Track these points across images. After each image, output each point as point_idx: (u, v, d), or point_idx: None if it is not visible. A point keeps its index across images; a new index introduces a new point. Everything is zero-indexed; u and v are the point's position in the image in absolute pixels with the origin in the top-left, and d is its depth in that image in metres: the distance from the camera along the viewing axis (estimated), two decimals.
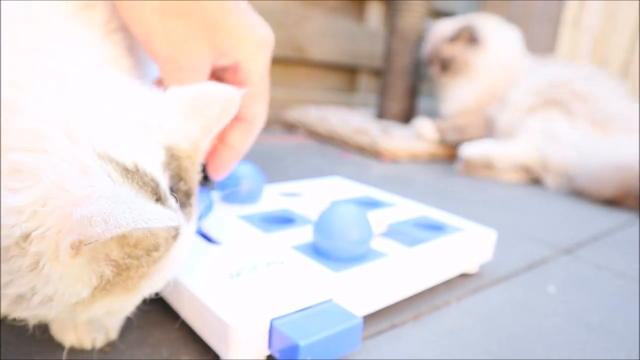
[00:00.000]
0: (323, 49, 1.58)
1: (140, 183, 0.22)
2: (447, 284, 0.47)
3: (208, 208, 0.39)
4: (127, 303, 0.26)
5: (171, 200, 0.25)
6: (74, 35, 0.28)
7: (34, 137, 0.21)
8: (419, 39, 1.39)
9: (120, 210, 0.19)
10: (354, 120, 1.35)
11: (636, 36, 1.52)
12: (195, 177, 0.28)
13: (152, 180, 0.23)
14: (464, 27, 1.20)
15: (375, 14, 1.73)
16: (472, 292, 0.46)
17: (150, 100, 0.26)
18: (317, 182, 0.64)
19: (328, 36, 1.58)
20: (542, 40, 1.58)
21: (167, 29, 0.30)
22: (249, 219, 0.46)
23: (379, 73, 1.69)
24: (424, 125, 1.25)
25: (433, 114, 1.36)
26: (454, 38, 1.22)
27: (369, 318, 0.39)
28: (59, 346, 0.31)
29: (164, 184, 0.24)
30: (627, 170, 0.92)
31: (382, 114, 1.46)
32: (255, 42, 0.34)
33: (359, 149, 1.23)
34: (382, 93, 1.46)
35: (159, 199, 0.23)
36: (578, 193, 0.98)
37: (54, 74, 0.23)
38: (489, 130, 1.20)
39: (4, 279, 0.21)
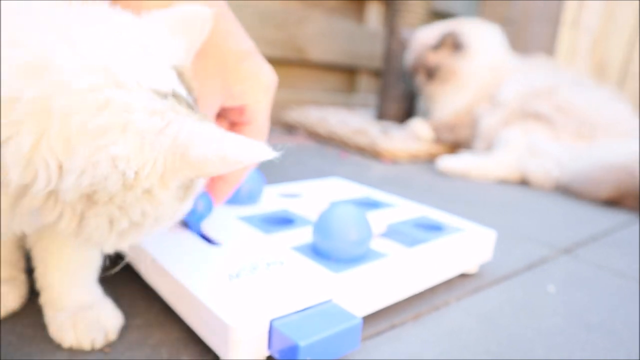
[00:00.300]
0: (323, 49, 1.58)
1: (184, 104, 0.25)
2: (447, 284, 0.47)
3: (208, 209, 0.39)
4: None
5: (197, 108, 0.28)
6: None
7: (94, 95, 0.22)
8: None
9: (232, 148, 0.23)
10: (353, 121, 1.35)
11: (636, 36, 1.52)
12: (195, 88, 0.30)
13: (184, 97, 0.26)
14: (447, 34, 1.19)
15: (374, 15, 1.74)
16: (472, 292, 0.46)
17: (146, 25, 0.27)
18: (317, 183, 0.64)
19: (328, 37, 1.58)
20: (541, 40, 1.58)
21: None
22: (249, 219, 0.46)
23: (378, 74, 1.69)
24: (418, 126, 1.26)
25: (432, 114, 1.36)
26: (438, 46, 1.20)
27: (369, 318, 0.39)
28: (59, 347, 0.32)
29: (189, 99, 0.27)
30: (621, 171, 0.92)
31: (381, 115, 1.46)
32: (262, 87, 0.37)
33: (359, 150, 1.23)
34: (382, 94, 1.46)
35: (192, 108, 0.26)
36: (576, 195, 0.98)
37: (67, 24, 0.24)
38: (476, 130, 1.21)
39: (112, 215, 0.24)
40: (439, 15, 1.89)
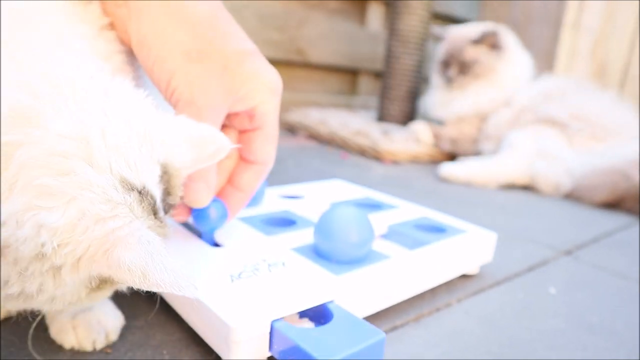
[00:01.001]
0: (324, 51, 1.59)
1: (146, 204, 0.25)
2: (448, 286, 0.47)
3: (222, 218, 0.38)
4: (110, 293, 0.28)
5: (162, 213, 0.27)
6: (71, 31, 0.28)
7: (60, 159, 0.22)
8: (420, 41, 1.39)
9: (158, 271, 0.22)
10: (354, 123, 1.35)
11: (636, 37, 1.52)
12: (179, 194, 0.29)
13: (152, 197, 0.25)
14: (490, 31, 1.20)
15: (375, 16, 1.74)
16: (473, 293, 0.46)
17: (156, 116, 0.27)
18: (318, 185, 0.64)
19: (329, 39, 1.58)
20: (542, 41, 1.58)
21: (189, 71, 0.32)
22: (250, 221, 0.46)
23: (379, 75, 1.69)
24: (420, 128, 1.26)
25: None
26: (478, 41, 1.20)
27: (370, 320, 0.39)
28: (62, 347, 0.32)
29: (159, 198, 0.26)
30: (618, 174, 0.92)
31: (382, 116, 1.46)
32: (268, 88, 0.35)
33: (360, 151, 1.23)
34: (383, 95, 1.46)
35: (155, 213, 0.26)
36: (575, 198, 0.98)
37: (65, 81, 0.24)
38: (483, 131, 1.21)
39: (8, 277, 0.23)
40: (440, 16, 1.90)
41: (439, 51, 1.28)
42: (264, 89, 0.35)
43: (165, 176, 0.27)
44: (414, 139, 1.25)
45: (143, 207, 0.24)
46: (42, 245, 0.21)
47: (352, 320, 0.31)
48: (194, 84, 0.32)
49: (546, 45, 1.57)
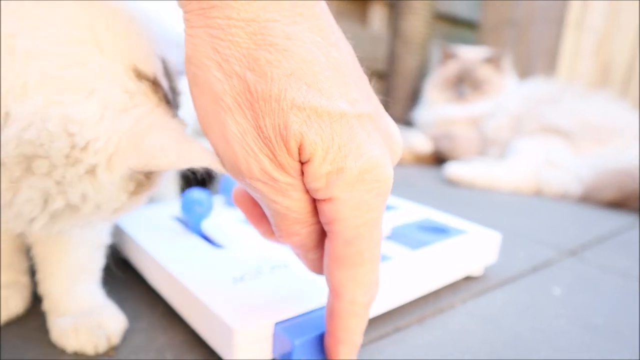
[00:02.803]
0: None
1: (159, 94, 0.24)
2: (452, 287, 0.46)
3: (208, 208, 0.40)
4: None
5: (174, 106, 0.26)
6: None
7: (70, 48, 0.20)
8: (423, 41, 1.39)
9: (184, 149, 0.21)
10: None
11: None
12: (182, 84, 0.27)
13: (164, 92, 0.24)
14: (497, 53, 1.31)
15: (378, 17, 1.74)
16: (477, 294, 0.46)
17: (152, 14, 0.26)
18: None
19: None
20: (545, 41, 1.57)
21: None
22: None
23: (382, 76, 1.69)
24: (417, 140, 1.28)
25: None
26: (488, 61, 1.29)
27: (374, 321, 0.39)
28: (64, 351, 0.32)
29: (167, 89, 0.25)
30: (625, 174, 0.93)
31: None
32: (349, 176, 0.22)
33: None
34: (385, 96, 1.46)
35: (168, 102, 0.25)
36: (580, 198, 0.97)
37: None
38: (479, 145, 1.22)
39: (48, 193, 0.22)
40: (442, 17, 1.89)
41: (450, 68, 1.31)
42: (342, 178, 0.22)
43: (167, 71, 0.26)
44: (409, 149, 1.26)
45: (158, 96, 0.23)
46: (73, 139, 0.20)
47: None
48: (226, 138, 0.22)
49: (549, 45, 1.57)
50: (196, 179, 0.69)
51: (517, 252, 0.59)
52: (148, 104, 0.22)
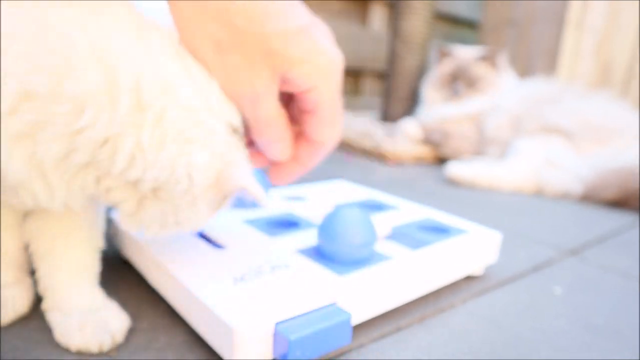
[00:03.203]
0: None
1: (243, 141, 0.32)
2: (452, 287, 0.46)
3: (265, 186, 0.41)
4: None
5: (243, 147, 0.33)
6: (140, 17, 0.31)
7: (192, 113, 0.29)
8: (423, 41, 1.39)
9: (254, 185, 0.31)
10: (358, 124, 1.35)
11: None
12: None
13: (242, 132, 0.32)
14: (491, 51, 1.32)
15: (378, 17, 1.74)
16: (477, 294, 0.46)
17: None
18: (322, 186, 0.64)
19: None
20: (545, 41, 1.57)
21: (224, 63, 0.30)
22: (254, 222, 0.46)
23: (382, 76, 1.69)
24: (408, 125, 1.29)
25: None
26: (483, 58, 1.30)
27: (374, 321, 0.39)
28: (66, 350, 0.32)
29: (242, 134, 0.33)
30: (627, 173, 0.93)
31: (386, 117, 1.46)
32: (319, 70, 0.32)
33: (364, 152, 1.23)
34: (386, 96, 1.46)
35: (244, 144, 0.33)
36: (582, 197, 0.98)
37: (173, 58, 0.29)
38: (476, 144, 1.23)
39: (165, 212, 0.31)
40: (443, 17, 1.89)
41: (446, 66, 1.31)
42: (315, 72, 0.31)
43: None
44: (403, 136, 1.27)
45: (242, 143, 0.32)
46: (192, 181, 0.29)
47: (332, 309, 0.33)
48: (231, 76, 0.31)
49: (549, 45, 1.57)
50: None
51: (517, 252, 0.59)
52: (237, 151, 0.31)
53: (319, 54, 0.31)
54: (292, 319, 0.31)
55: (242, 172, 0.31)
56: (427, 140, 1.26)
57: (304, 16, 0.31)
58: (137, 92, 0.27)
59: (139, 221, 0.31)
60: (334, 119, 0.35)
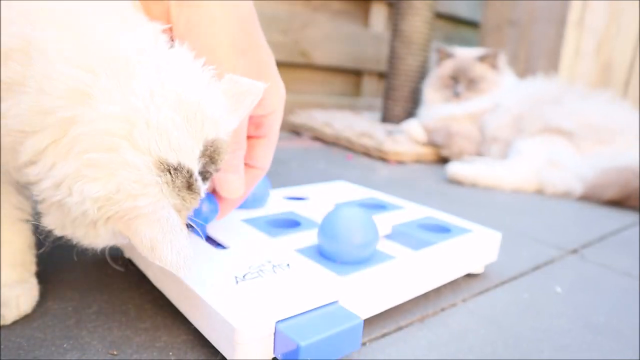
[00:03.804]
0: (327, 53, 1.59)
1: (179, 181, 0.28)
2: (453, 286, 0.47)
3: (213, 211, 0.40)
4: None
5: (199, 183, 0.30)
6: (126, 8, 0.30)
7: (106, 138, 0.25)
8: (424, 41, 1.39)
9: (164, 249, 0.26)
10: (359, 124, 1.35)
11: None
12: (226, 156, 0.32)
13: (187, 172, 0.28)
14: (492, 51, 1.32)
15: (379, 18, 1.74)
16: (478, 293, 0.46)
17: (205, 91, 0.29)
18: (323, 186, 0.64)
19: (332, 40, 1.59)
20: (546, 41, 1.57)
21: (235, 64, 0.32)
22: (255, 222, 0.46)
23: (383, 76, 1.69)
24: (412, 127, 1.29)
25: None
26: (483, 58, 1.30)
27: (375, 320, 0.39)
28: (69, 350, 0.32)
29: (197, 171, 0.29)
30: (628, 172, 0.93)
31: (386, 117, 1.46)
32: (281, 97, 0.36)
33: (365, 152, 1.23)
34: (387, 96, 1.46)
35: (190, 185, 0.29)
36: (582, 197, 0.98)
37: (119, 60, 0.26)
38: (478, 144, 1.23)
39: (64, 224, 0.28)
40: (443, 17, 1.90)
41: (446, 67, 1.31)
42: (279, 97, 0.36)
43: (212, 148, 0.30)
44: (407, 138, 1.27)
45: (175, 184, 0.27)
46: (85, 209, 0.26)
47: (335, 309, 0.33)
48: (259, 74, 0.33)
49: (550, 45, 1.56)
50: None
51: (518, 251, 0.59)
52: (157, 195, 0.27)
53: (281, 84, 0.36)
54: (294, 317, 0.31)
55: (150, 229, 0.26)
56: (431, 142, 1.26)
57: (268, 49, 0.36)
58: (41, 92, 0.25)
59: (44, 217, 0.29)
60: (274, 144, 0.38)
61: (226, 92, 0.31)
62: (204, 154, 0.29)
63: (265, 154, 0.38)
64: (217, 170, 0.31)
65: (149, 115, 0.26)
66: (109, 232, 0.28)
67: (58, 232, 0.29)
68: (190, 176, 0.28)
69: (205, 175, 0.30)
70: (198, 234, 0.41)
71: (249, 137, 0.37)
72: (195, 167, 0.29)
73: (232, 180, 0.36)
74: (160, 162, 0.26)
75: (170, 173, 0.27)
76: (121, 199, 0.26)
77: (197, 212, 0.40)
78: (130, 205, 0.26)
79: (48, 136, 0.25)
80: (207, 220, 0.40)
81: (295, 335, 0.29)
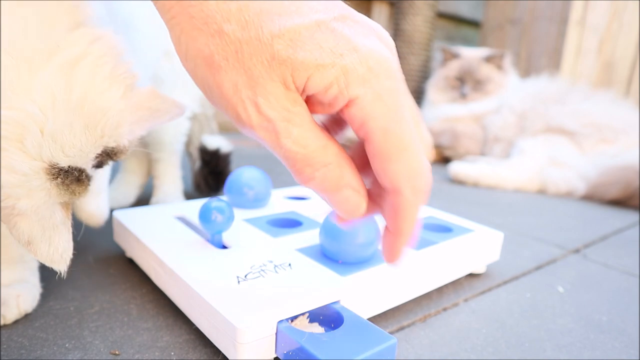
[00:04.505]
0: None
1: (69, 180, 0.28)
2: (455, 286, 0.46)
3: (228, 220, 0.39)
4: None
5: (91, 173, 0.30)
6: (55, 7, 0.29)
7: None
8: (425, 41, 1.39)
9: (41, 243, 0.28)
10: None
11: None
12: (122, 156, 0.32)
13: (79, 170, 0.29)
14: (498, 52, 1.32)
15: (380, 17, 1.74)
16: (480, 293, 0.46)
17: (115, 100, 0.29)
18: None
19: None
20: (547, 40, 1.57)
21: (219, 83, 0.23)
22: (256, 222, 0.46)
23: None
24: None
25: None
26: (489, 59, 1.31)
27: (377, 320, 0.39)
28: (71, 350, 0.32)
29: (89, 167, 0.30)
30: (631, 171, 0.93)
31: None
32: (353, 73, 0.22)
33: None
34: None
35: (80, 180, 0.29)
36: (587, 197, 0.97)
37: (26, 60, 0.26)
38: (481, 143, 1.23)
39: None
40: (445, 16, 1.89)
41: (452, 68, 1.31)
42: (347, 76, 0.22)
43: (112, 153, 0.30)
44: None
45: (65, 182, 0.28)
46: None
47: (363, 325, 0.31)
48: (230, 101, 0.23)
49: (552, 43, 1.56)
50: (205, 181, 0.70)
51: (521, 251, 0.59)
52: (42, 198, 0.27)
53: (349, 52, 0.22)
54: (293, 317, 0.31)
55: (29, 227, 0.27)
56: (437, 144, 1.26)
57: (324, 8, 0.23)
58: None
59: None
60: (402, 146, 0.23)
61: (142, 104, 0.30)
62: (100, 155, 0.30)
63: (380, 165, 0.24)
64: (108, 164, 0.32)
65: (45, 122, 0.26)
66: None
67: None
68: (81, 173, 0.29)
69: (100, 164, 0.31)
70: (215, 244, 0.41)
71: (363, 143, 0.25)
72: (88, 166, 0.29)
73: (346, 196, 0.25)
74: (52, 167, 0.27)
75: (60, 176, 0.28)
76: (3, 198, 0.26)
77: (212, 223, 0.39)
78: (11, 204, 0.26)
79: None
80: (221, 230, 0.40)
81: (297, 334, 0.29)
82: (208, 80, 0.23)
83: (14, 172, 0.26)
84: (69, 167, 0.28)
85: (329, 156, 0.24)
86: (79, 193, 0.29)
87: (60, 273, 0.29)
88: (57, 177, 0.27)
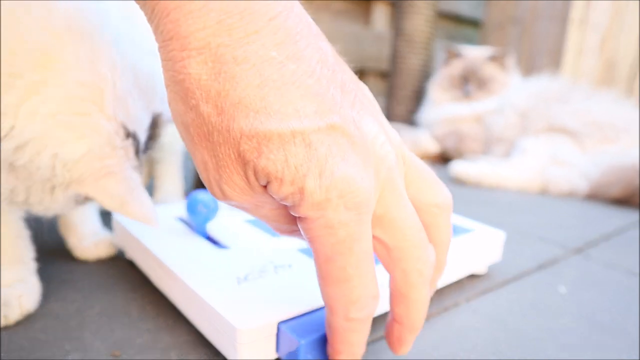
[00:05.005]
0: None
1: (134, 145, 0.30)
2: (456, 286, 0.46)
3: (212, 211, 0.40)
4: None
5: (141, 155, 0.32)
6: None
7: (77, 102, 0.26)
8: (426, 40, 1.39)
9: (135, 203, 0.29)
10: None
11: None
12: (160, 138, 0.35)
13: (138, 141, 0.31)
14: (501, 51, 1.32)
15: (381, 17, 1.74)
16: (482, 293, 0.46)
17: (157, 67, 0.29)
18: None
19: (334, 39, 1.58)
20: (549, 39, 1.57)
21: (193, 154, 0.23)
22: (257, 222, 0.46)
23: (385, 75, 1.69)
24: (423, 140, 1.28)
25: None
26: (493, 58, 1.30)
27: (378, 320, 0.39)
28: (71, 352, 0.32)
29: (142, 142, 0.32)
30: (632, 169, 0.93)
31: (389, 116, 1.46)
32: (308, 196, 0.21)
33: None
34: (389, 95, 1.46)
35: (137, 153, 0.31)
36: (589, 196, 0.97)
37: (85, 28, 0.27)
38: (483, 143, 1.23)
39: (15, 188, 0.29)
40: (446, 16, 1.89)
41: (455, 67, 1.31)
42: (302, 199, 0.21)
43: (156, 122, 0.32)
44: (415, 149, 1.27)
45: (134, 150, 0.30)
46: (52, 173, 0.27)
47: None
48: (202, 173, 0.23)
49: (553, 42, 1.56)
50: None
51: (522, 250, 0.59)
52: (123, 157, 0.29)
53: (313, 176, 0.20)
54: (294, 318, 0.31)
55: (119, 186, 0.28)
56: (442, 149, 1.26)
57: (318, 110, 0.21)
58: (12, 53, 0.25)
59: None
60: (343, 277, 0.23)
61: None
62: (149, 128, 0.32)
63: (393, 264, 0.27)
64: (152, 147, 0.34)
65: (115, 86, 0.28)
66: (66, 198, 0.29)
67: (4, 200, 0.29)
68: (138, 145, 0.31)
69: (149, 143, 0.33)
70: (199, 234, 0.42)
71: None
72: (142, 138, 0.31)
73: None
74: (125, 129, 0.29)
75: (131, 138, 0.30)
76: (90, 160, 0.27)
77: (196, 213, 0.40)
78: (99, 166, 0.28)
79: (14, 97, 0.26)
80: (207, 219, 0.41)
81: (298, 334, 0.29)
82: (187, 142, 0.22)
83: (100, 131, 0.27)
84: (134, 132, 0.29)
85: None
86: (137, 168, 0.31)
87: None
88: (129, 139, 0.29)
